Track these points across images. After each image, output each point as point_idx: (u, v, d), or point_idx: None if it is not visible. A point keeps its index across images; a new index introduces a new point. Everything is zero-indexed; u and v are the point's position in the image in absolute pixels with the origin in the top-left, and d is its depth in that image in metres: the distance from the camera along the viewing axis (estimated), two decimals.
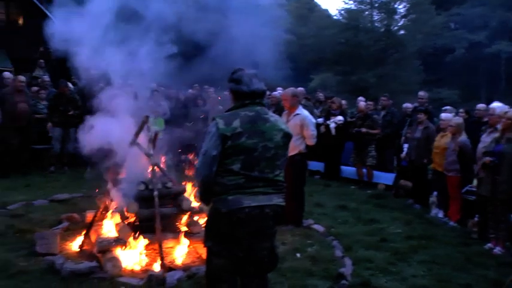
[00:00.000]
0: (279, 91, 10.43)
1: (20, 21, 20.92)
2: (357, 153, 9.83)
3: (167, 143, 5.98)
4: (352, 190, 9.35)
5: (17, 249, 4.97)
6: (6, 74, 9.96)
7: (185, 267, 4.65)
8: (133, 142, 5.09)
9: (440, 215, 7.29)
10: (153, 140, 5.26)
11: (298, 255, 5.25)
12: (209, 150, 3.00)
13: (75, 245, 5.16)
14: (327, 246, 5.64)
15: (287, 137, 3.18)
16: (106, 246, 4.67)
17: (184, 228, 5.32)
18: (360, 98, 10.89)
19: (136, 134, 5.10)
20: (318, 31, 33.42)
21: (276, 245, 3.35)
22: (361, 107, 9.93)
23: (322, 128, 9.89)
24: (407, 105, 9.98)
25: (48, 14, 20.25)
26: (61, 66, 11.04)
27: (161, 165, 5.38)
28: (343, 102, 11.00)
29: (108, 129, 5.12)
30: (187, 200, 5.33)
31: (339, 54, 32.17)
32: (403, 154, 8.58)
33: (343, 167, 10.42)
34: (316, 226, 6.41)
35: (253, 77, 3.12)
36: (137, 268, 4.64)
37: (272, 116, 3.18)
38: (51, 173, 9.22)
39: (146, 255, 4.88)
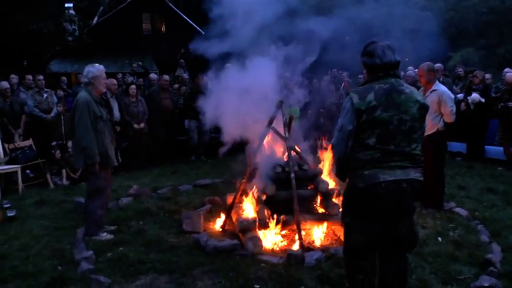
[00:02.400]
0: (412, 70, 9.84)
1: (163, 29, 22.70)
2: (503, 131, 8.82)
3: (302, 128, 6.03)
4: (499, 172, 8.43)
5: (167, 227, 5.43)
6: (153, 76, 11.00)
7: (323, 248, 4.65)
8: (270, 126, 5.22)
9: None
10: (288, 124, 5.33)
11: (439, 239, 4.93)
12: (344, 126, 2.97)
13: (217, 224, 5.45)
14: (471, 230, 5.21)
15: (424, 108, 3.01)
16: (246, 226, 4.86)
17: (321, 210, 5.33)
18: (507, 69, 9.60)
19: (272, 119, 5.21)
20: (458, 2, 30.50)
21: (415, 223, 3.19)
22: (508, 79, 8.88)
23: (463, 105, 9.12)
24: None
25: (188, 20, 21.73)
26: (199, 63, 11.77)
27: (297, 149, 5.44)
28: (487, 76, 9.84)
29: (244, 116, 5.30)
30: (324, 182, 5.31)
31: (482, 25, 29.09)
32: None
33: (487, 147, 9.44)
34: (458, 209, 5.94)
35: (387, 49, 3.01)
36: (276, 247, 4.76)
37: (407, 88, 3.03)
38: (193, 162, 9.85)
39: (284, 236, 4.98)
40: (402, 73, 8.99)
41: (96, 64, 5.33)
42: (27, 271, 4.27)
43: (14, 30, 11.65)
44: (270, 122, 5.20)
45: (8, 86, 8.56)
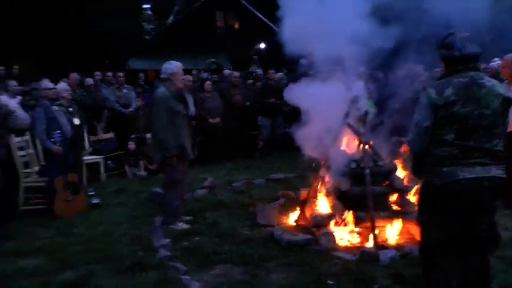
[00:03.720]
0: (496, 62, 9.29)
1: (236, 26, 23.04)
2: None
3: (377, 123, 5.90)
4: None
5: (242, 220, 5.53)
6: (226, 72, 11.23)
7: (398, 247, 4.52)
8: (344, 121, 5.16)
9: None
10: (363, 119, 5.24)
11: None
12: (421, 121, 2.88)
13: (291, 219, 5.46)
14: None
15: (507, 102, 2.85)
16: (320, 222, 4.84)
17: (396, 208, 5.19)
18: None
19: (347, 114, 5.15)
20: None
21: (497, 224, 3.02)
22: None
23: None
24: None
25: (261, 16, 21.91)
26: (272, 59, 11.86)
27: (372, 144, 5.33)
28: None
29: (318, 110, 5.27)
30: (399, 178, 5.16)
31: None
32: None
33: None
34: None
35: (466, 41, 2.87)
36: (350, 244, 4.71)
37: (489, 81, 2.87)
38: (264, 157, 9.89)
39: (358, 233, 4.90)
40: (483, 65, 8.49)
41: (174, 61, 5.52)
42: (110, 255, 4.53)
43: (98, 31, 12.32)
44: (345, 117, 5.14)
45: (92, 82, 9.12)
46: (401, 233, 4.89)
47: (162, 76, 5.48)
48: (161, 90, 5.32)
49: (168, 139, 5.14)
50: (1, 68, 9.15)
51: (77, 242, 5.00)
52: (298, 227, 5.22)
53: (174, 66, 5.42)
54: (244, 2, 22.75)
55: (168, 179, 5.43)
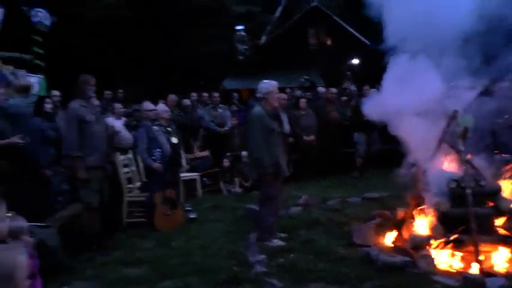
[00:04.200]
0: None
1: (329, 42, 23.01)
2: None
3: (479, 140, 5.59)
4: None
5: (337, 238, 5.49)
6: (320, 89, 11.30)
7: (507, 275, 4.22)
8: (443, 138, 4.96)
9: None
10: (462, 136, 5.00)
11: None
12: None
13: (387, 239, 5.31)
14: None
15: None
16: (419, 243, 4.66)
17: (502, 232, 4.85)
18: None
19: (445, 130, 4.95)
20: None
21: None
22: None
23: None
24: None
25: (353, 32, 21.75)
26: (365, 75, 11.72)
27: (473, 162, 5.06)
28: None
29: (415, 126, 5.11)
30: (506, 200, 4.84)
31: None
32: None
33: None
34: None
35: None
36: (451, 268, 4.47)
37: None
38: (360, 175, 9.73)
39: (460, 257, 4.64)
40: None
41: (270, 80, 5.67)
42: (206, 268, 4.71)
43: (194, 54, 12.95)
44: (444, 134, 4.94)
45: (189, 103, 9.61)
46: (510, 260, 4.55)
47: (258, 95, 5.65)
48: (257, 109, 5.48)
49: (263, 157, 5.26)
50: (108, 92, 9.93)
51: (175, 254, 5.26)
52: (395, 248, 5.06)
53: (269, 85, 5.56)
54: (336, 18, 22.68)
55: (263, 195, 5.54)
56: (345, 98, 11.33)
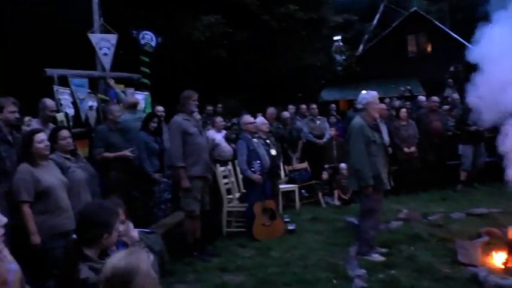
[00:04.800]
0: None
1: (429, 49, 22.13)
2: None
3: None
4: None
5: (440, 255, 5.25)
6: (421, 98, 10.92)
7: None
8: None
9: None
10: None
11: None
12: None
13: (497, 259, 4.97)
14: None
15: None
16: None
17: None
18: None
19: None
20: None
21: None
22: None
23: None
24: None
25: (456, 36, 20.72)
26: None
27: None
28: None
29: None
30: None
31: None
32: None
33: None
34: None
35: None
36: None
37: None
38: (464, 189, 9.22)
39: None
40: None
41: (370, 91, 5.62)
42: (305, 279, 4.76)
43: (292, 66, 13.12)
44: None
45: (288, 115, 9.75)
46: None
47: (358, 106, 5.63)
48: (357, 120, 5.45)
49: (364, 169, 5.21)
50: (210, 107, 10.38)
51: (274, 264, 5.36)
52: (507, 269, 4.73)
53: (369, 95, 5.51)
54: (437, 23, 21.77)
55: (363, 208, 5.48)
56: (447, 107, 10.83)
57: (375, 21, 26.82)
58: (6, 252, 1.77)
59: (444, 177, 9.46)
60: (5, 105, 4.58)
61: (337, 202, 8.73)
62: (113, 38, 7.88)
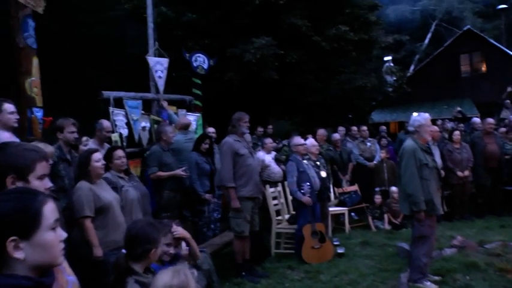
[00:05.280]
0: None
1: (483, 68, 21.49)
2: None
3: None
4: None
5: (498, 286, 5.03)
6: (475, 120, 10.62)
7: None
8: None
9: None
10: None
11: None
12: None
13: None
14: None
15: None
16: None
17: None
18: None
19: None
20: None
21: None
22: None
23: None
24: None
25: None
26: None
27: None
28: None
29: None
30: None
31: None
32: None
33: None
34: None
35: None
36: None
37: None
38: None
39: None
40: None
41: (422, 113, 5.52)
42: None
43: (343, 87, 13.09)
44: None
45: (339, 137, 9.71)
46: None
47: (409, 129, 5.53)
48: (409, 142, 5.35)
49: (417, 193, 5.09)
50: (260, 129, 10.47)
51: None
52: None
53: (421, 118, 5.41)
54: (492, 41, 21.13)
55: (415, 234, 5.33)
56: (503, 129, 10.44)
57: (427, 41, 26.41)
58: (65, 264, 1.87)
59: (502, 203, 9.08)
60: (65, 125, 4.84)
61: (387, 226, 8.53)
62: (165, 61, 8.20)
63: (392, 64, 19.79)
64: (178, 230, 3.42)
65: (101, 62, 13.02)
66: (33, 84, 5.50)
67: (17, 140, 3.98)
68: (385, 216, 8.63)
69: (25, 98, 5.46)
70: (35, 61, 5.60)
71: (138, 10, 10.97)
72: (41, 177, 2.07)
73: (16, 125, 4.28)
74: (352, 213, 8.95)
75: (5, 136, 2.94)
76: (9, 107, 4.18)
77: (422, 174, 5.14)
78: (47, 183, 2.11)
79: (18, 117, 4.32)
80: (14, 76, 5.66)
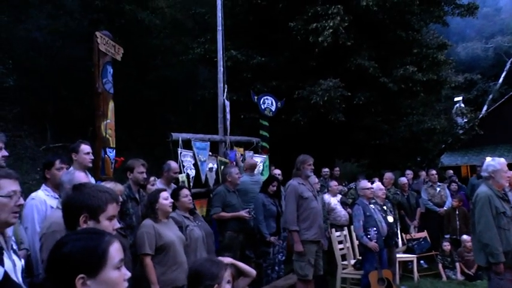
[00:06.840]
0: None
1: None
2: None
3: None
4: None
5: None
6: None
7: None
8: None
9: None
10: None
11: None
12: None
13: None
14: None
15: None
16: None
17: None
18: None
19: None
20: None
21: None
22: None
23: None
24: None
25: None
26: None
27: None
28: None
29: None
30: None
31: None
32: None
33: None
34: None
35: None
36: None
37: None
38: None
39: None
40: None
41: (497, 158, 5.27)
42: None
43: (411, 129, 12.79)
44: None
45: (406, 181, 9.43)
46: None
47: (483, 174, 5.28)
48: (483, 188, 5.09)
49: (494, 244, 4.80)
50: (326, 170, 10.38)
51: None
52: None
53: (496, 163, 5.14)
54: None
55: (494, 287, 5.01)
56: None
57: (501, 80, 25.40)
58: None
59: None
60: (135, 166, 5.05)
61: (460, 277, 8.05)
62: (227, 104, 8.44)
63: (463, 105, 19.14)
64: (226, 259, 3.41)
65: (171, 104, 13.57)
66: (108, 126, 5.86)
67: (92, 179, 4.23)
68: (457, 265, 8.17)
69: (100, 139, 5.81)
70: (111, 105, 5.98)
71: (209, 54, 11.42)
72: (110, 218, 2.21)
73: (90, 165, 4.56)
74: (422, 261, 8.55)
75: (81, 176, 3.13)
76: (85, 148, 4.45)
77: (499, 224, 4.84)
78: (115, 224, 2.24)
79: (92, 157, 4.59)
80: (92, 119, 6.06)
